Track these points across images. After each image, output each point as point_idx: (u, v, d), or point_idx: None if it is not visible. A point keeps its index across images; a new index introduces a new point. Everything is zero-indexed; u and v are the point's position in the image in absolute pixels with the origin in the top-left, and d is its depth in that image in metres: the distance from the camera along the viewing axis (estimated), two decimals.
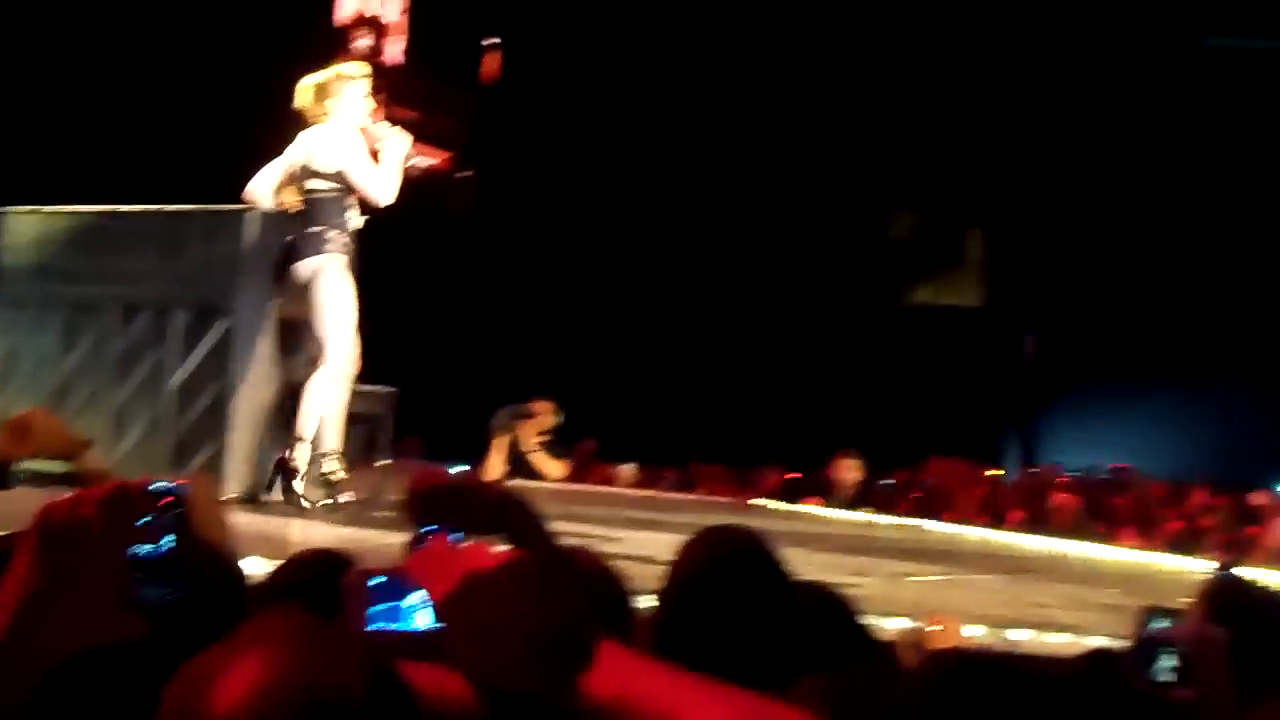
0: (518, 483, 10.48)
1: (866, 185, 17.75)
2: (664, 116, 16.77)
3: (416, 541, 2.03)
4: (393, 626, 1.63)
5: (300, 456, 7.45)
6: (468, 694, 1.55)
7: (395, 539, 2.48)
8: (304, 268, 7.57)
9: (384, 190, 7.63)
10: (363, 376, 8.01)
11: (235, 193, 7.88)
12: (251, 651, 1.44)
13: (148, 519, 1.88)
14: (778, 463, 14.97)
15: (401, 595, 1.64)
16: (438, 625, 1.61)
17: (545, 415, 12.05)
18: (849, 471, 13.69)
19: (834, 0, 16.83)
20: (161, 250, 8.25)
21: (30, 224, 8.87)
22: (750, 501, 13.49)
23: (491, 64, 12.46)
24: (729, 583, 2.53)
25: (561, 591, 1.60)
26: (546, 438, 12.05)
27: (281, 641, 1.45)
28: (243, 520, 6.03)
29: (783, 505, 13.41)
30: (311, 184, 7.64)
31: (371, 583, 1.68)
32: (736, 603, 2.50)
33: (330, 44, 10.68)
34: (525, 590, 1.58)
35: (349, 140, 7.66)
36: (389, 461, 8.56)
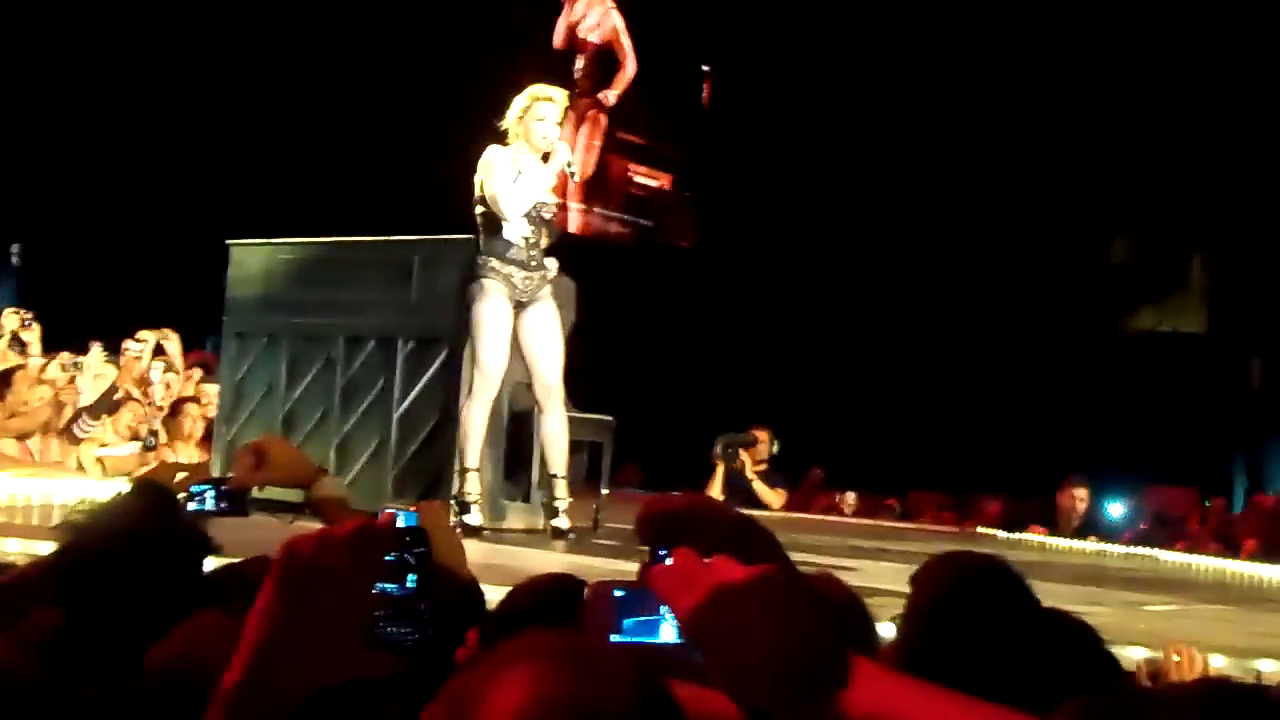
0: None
1: (1087, 210, 17.38)
2: (884, 144, 16.62)
3: (652, 563, 1.97)
4: (639, 640, 1.58)
5: (465, 486, 7.46)
6: (731, 711, 1.49)
7: (619, 565, 2.43)
8: (466, 292, 7.60)
9: (507, 205, 7.50)
10: (583, 404, 8.01)
11: (456, 219, 7.91)
12: (517, 668, 1.40)
13: (392, 557, 1.86)
14: (999, 491, 14.67)
15: (646, 609, 1.59)
16: (683, 640, 1.55)
17: (764, 443, 11.97)
18: (1076, 499, 13.31)
19: (1053, 30, 16.53)
20: (384, 280, 8.38)
21: (257, 256, 9.08)
22: (973, 530, 13.24)
23: (709, 90, 12.53)
24: (978, 606, 2.44)
25: (814, 606, 1.53)
26: (765, 466, 11.97)
27: (548, 658, 1.41)
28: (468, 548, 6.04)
29: (1006, 534, 13.13)
30: (477, 208, 7.66)
31: (617, 594, 1.63)
32: (987, 625, 2.40)
33: (551, 68, 10.78)
34: (778, 604, 1.51)
35: (492, 159, 7.56)
36: (608, 490, 8.54)
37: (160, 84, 15.74)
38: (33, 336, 10.66)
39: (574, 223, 12.57)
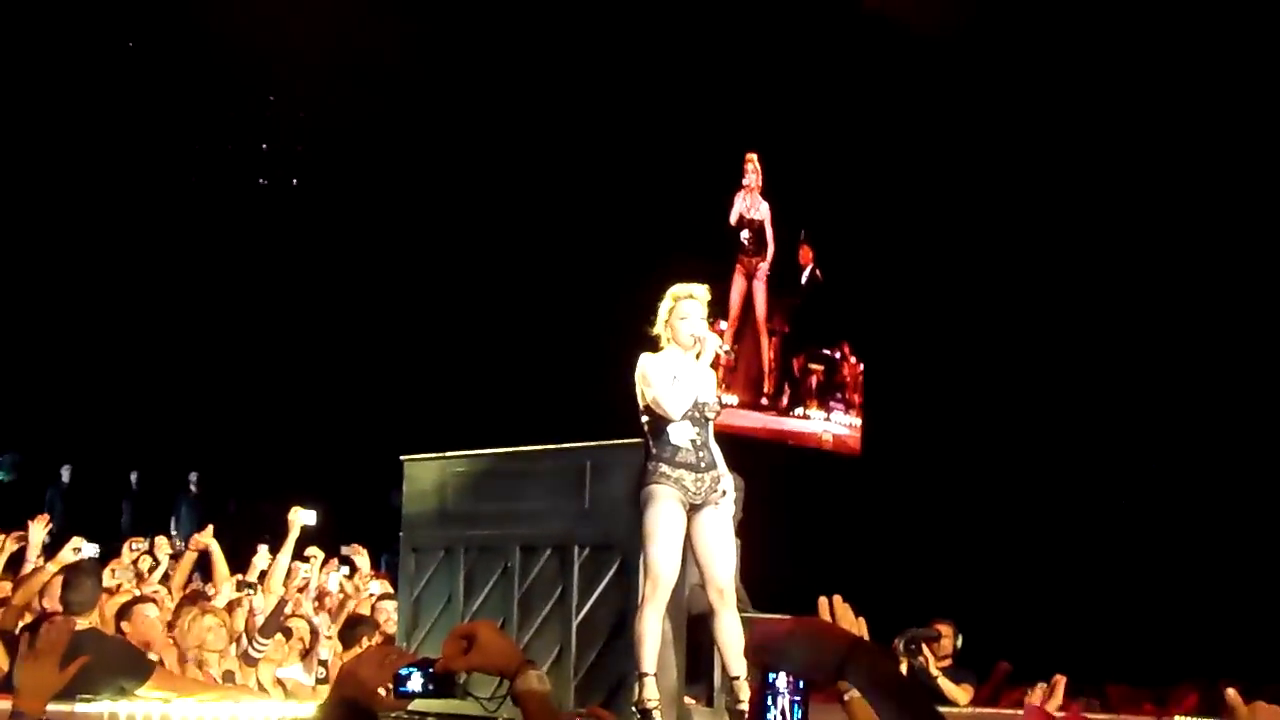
0: None
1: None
2: (1050, 324, 16.44)
3: (762, 688, 1.94)
4: None
5: (643, 693, 7.34)
6: None
7: None
8: (637, 498, 7.54)
9: (669, 406, 7.51)
10: (764, 606, 7.90)
11: (626, 423, 7.91)
12: None
13: None
14: (1195, 679, 14.15)
15: None
16: None
17: (947, 638, 11.66)
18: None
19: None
20: (557, 488, 8.37)
21: (430, 471, 9.14)
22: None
23: (806, 255, 12.87)
24: None
25: None
26: (949, 661, 11.65)
27: None
28: None
29: None
30: (643, 416, 7.65)
31: None
32: None
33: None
34: None
35: (644, 365, 7.60)
36: None
37: (325, 307, 16.14)
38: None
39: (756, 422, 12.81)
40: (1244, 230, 16.36)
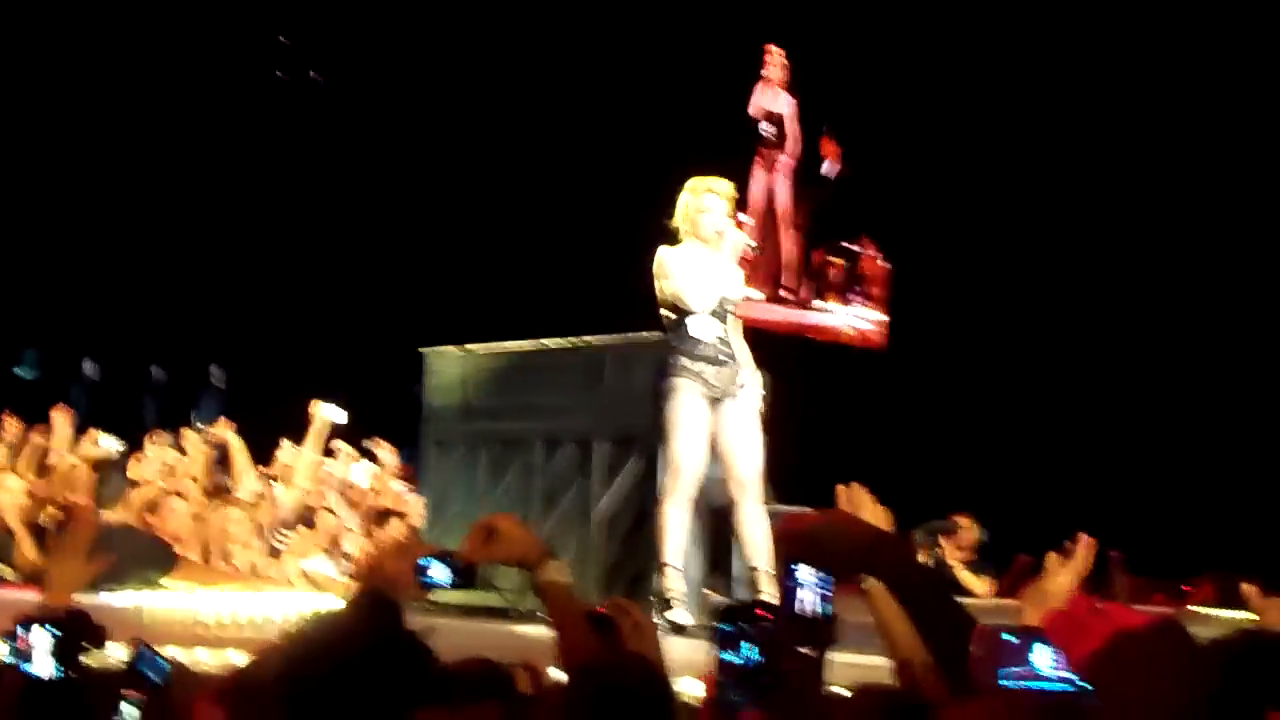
0: None
1: None
2: (1077, 220, 16.30)
3: (787, 579, 2.03)
4: (1027, 685, 1.57)
5: (664, 583, 7.34)
6: None
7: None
8: (658, 391, 7.52)
9: (692, 300, 7.45)
10: (787, 498, 7.91)
11: (648, 317, 7.86)
12: None
13: (728, 628, 2.03)
14: (1215, 568, 14.18)
15: (1033, 653, 1.58)
16: (1081, 686, 1.51)
17: (967, 530, 11.70)
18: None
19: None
20: (580, 383, 8.40)
21: (453, 363, 9.17)
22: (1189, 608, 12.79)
23: (830, 149, 12.86)
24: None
25: (1212, 657, 1.47)
26: (971, 554, 11.70)
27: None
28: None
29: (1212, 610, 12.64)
30: (661, 309, 7.59)
31: (1004, 637, 1.61)
32: None
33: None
34: (1181, 653, 1.44)
35: (664, 259, 7.53)
36: None
37: (345, 200, 16.12)
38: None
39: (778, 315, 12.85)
40: None
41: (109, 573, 5.46)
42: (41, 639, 3.20)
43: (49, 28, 15.68)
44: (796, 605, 2.21)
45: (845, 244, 13.67)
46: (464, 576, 3.35)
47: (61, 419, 10.56)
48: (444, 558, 3.36)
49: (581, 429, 8.27)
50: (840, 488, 3.42)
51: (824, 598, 2.25)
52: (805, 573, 2.19)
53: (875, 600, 3.05)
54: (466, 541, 3.36)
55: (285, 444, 10.88)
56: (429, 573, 3.33)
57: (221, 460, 10.83)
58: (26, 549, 8.85)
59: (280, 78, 16.72)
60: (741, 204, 8.94)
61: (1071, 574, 2.97)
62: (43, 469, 9.99)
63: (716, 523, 7.94)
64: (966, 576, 11.47)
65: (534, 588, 3.35)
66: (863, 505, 3.30)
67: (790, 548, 1.98)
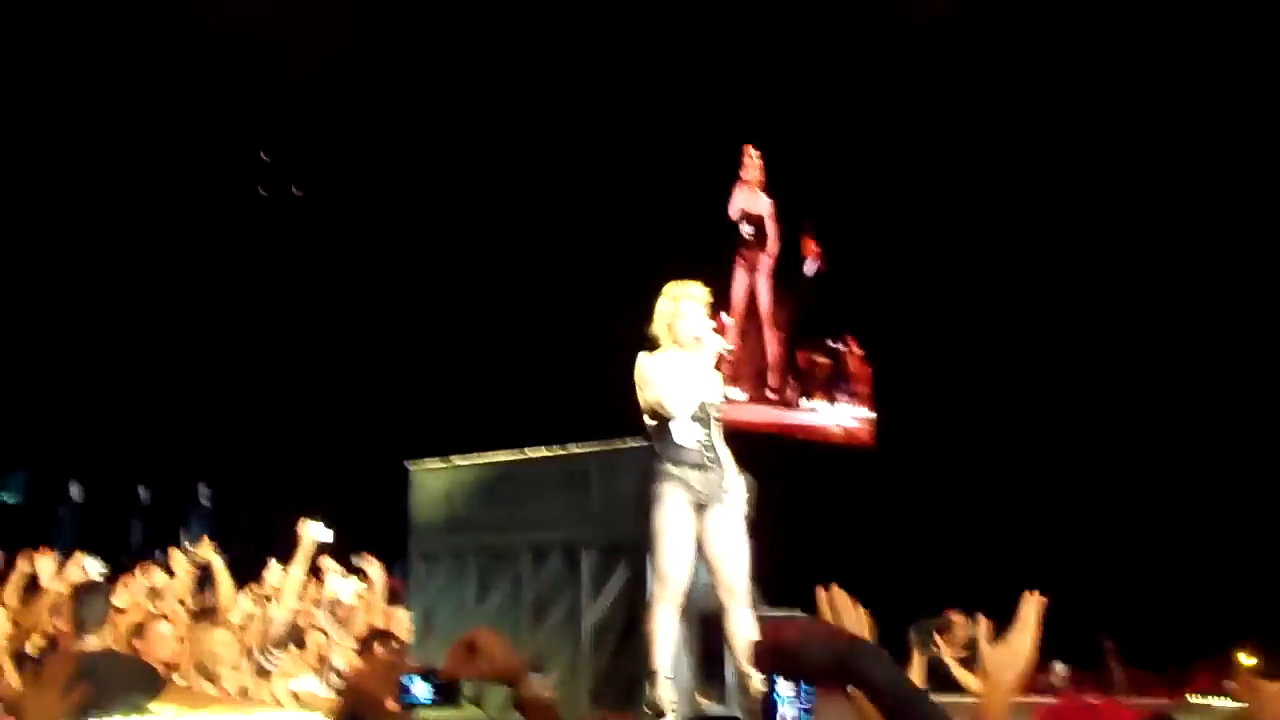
0: (942, 698, 10.09)
1: None
2: (1056, 309, 16.38)
3: (768, 690, 1.99)
4: None
5: (656, 691, 7.26)
6: None
7: None
8: (644, 498, 7.47)
9: (673, 406, 7.35)
10: (776, 599, 7.86)
11: (631, 425, 7.84)
12: None
13: None
14: (1218, 652, 14.11)
15: None
16: None
17: (960, 626, 11.62)
18: None
19: None
20: (565, 492, 8.38)
21: (438, 478, 9.15)
22: (1186, 698, 12.72)
23: (810, 248, 12.91)
24: None
25: None
26: (965, 651, 11.61)
27: None
28: None
29: (1209, 700, 12.58)
30: (644, 417, 7.56)
31: None
32: None
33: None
34: None
35: (644, 367, 7.44)
36: None
37: (327, 316, 16.14)
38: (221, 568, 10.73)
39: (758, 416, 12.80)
40: (1241, 203, 16.31)
41: (95, 700, 5.38)
42: None
43: (24, 150, 15.75)
44: (778, 718, 2.18)
45: (829, 341, 13.71)
46: (445, 694, 3.33)
47: (43, 559, 10.49)
48: (426, 675, 3.34)
49: (568, 538, 8.23)
50: (821, 591, 3.39)
51: (805, 710, 2.22)
52: (784, 687, 2.17)
53: (860, 706, 3.02)
54: (448, 658, 3.32)
55: (273, 564, 10.79)
56: (411, 690, 3.31)
57: (205, 580, 10.72)
58: (10, 679, 8.74)
59: (262, 194, 16.78)
60: (724, 305, 8.95)
61: (1023, 634, 2.97)
62: (28, 596, 9.89)
63: (706, 628, 7.88)
64: (962, 674, 11.37)
65: (515, 704, 3.31)
66: (844, 610, 3.26)
67: (768, 661, 1.95)
